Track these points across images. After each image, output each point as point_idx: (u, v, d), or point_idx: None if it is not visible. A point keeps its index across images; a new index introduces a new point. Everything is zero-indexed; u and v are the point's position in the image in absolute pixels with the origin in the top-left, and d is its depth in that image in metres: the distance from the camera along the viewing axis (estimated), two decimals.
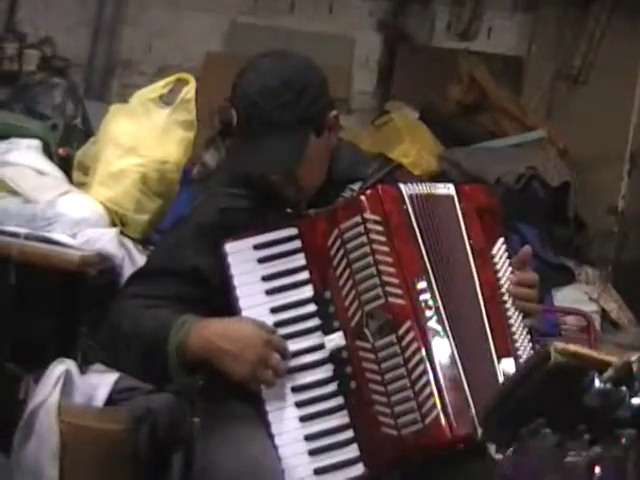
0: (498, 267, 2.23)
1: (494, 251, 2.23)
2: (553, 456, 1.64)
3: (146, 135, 3.05)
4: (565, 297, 4.29)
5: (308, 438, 2.08)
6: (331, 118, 2.23)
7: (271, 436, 2.08)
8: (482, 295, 2.18)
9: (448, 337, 2.08)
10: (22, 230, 2.84)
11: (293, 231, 2.16)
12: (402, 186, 2.16)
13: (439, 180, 2.28)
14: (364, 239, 2.09)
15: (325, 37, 5.20)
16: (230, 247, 2.15)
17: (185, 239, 2.21)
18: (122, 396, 2.66)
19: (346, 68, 5.15)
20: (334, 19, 5.31)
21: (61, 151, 3.25)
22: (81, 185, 3.10)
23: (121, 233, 2.98)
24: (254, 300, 2.14)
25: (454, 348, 2.07)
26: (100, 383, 2.67)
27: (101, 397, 2.64)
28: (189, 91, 3.09)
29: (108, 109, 3.18)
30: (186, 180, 3.49)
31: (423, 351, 2.04)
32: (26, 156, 3.09)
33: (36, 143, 3.17)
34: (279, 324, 2.13)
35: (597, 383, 1.58)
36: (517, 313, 2.20)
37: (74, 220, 2.90)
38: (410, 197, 2.14)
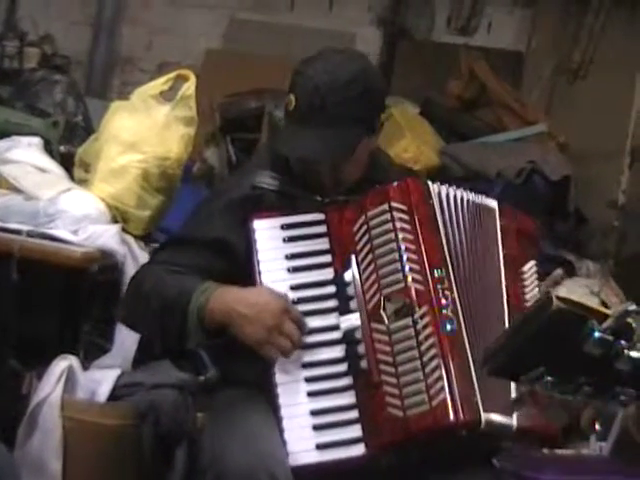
0: (527, 283, 2.30)
1: (525, 268, 2.31)
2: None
3: (147, 131, 3.05)
4: (566, 291, 4.29)
5: (314, 413, 2.11)
6: (381, 122, 2.31)
7: (278, 407, 2.11)
8: (507, 301, 2.24)
9: (461, 327, 2.11)
10: (24, 227, 2.85)
11: (320, 216, 2.24)
12: (430, 183, 2.23)
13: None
14: (389, 226, 2.15)
15: (325, 33, 5.19)
16: (258, 224, 2.21)
17: (215, 211, 2.28)
18: (125, 392, 2.66)
19: None
20: (334, 15, 5.31)
21: (62, 148, 3.26)
22: (82, 182, 3.11)
23: (123, 230, 2.98)
24: (275, 276, 2.19)
25: (465, 338, 2.11)
26: (103, 379, 2.67)
27: (104, 393, 2.64)
28: (189, 87, 3.10)
29: (108, 106, 3.19)
30: (187, 176, 3.50)
31: (436, 336, 2.07)
32: (27, 153, 3.10)
33: (37, 140, 3.17)
34: (297, 301, 2.18)
35: (597, 332, 1.59)
36: None
37: (76, 217, 2.91)
38: (438, 194, 2.21)
